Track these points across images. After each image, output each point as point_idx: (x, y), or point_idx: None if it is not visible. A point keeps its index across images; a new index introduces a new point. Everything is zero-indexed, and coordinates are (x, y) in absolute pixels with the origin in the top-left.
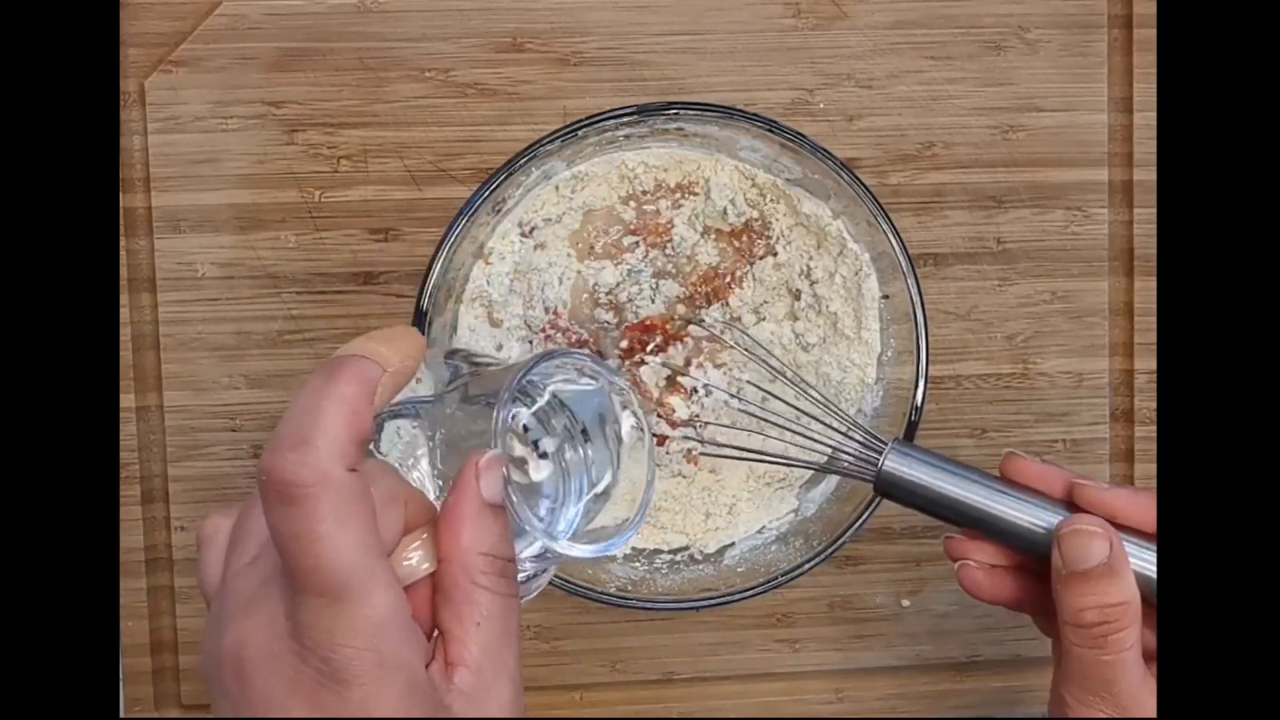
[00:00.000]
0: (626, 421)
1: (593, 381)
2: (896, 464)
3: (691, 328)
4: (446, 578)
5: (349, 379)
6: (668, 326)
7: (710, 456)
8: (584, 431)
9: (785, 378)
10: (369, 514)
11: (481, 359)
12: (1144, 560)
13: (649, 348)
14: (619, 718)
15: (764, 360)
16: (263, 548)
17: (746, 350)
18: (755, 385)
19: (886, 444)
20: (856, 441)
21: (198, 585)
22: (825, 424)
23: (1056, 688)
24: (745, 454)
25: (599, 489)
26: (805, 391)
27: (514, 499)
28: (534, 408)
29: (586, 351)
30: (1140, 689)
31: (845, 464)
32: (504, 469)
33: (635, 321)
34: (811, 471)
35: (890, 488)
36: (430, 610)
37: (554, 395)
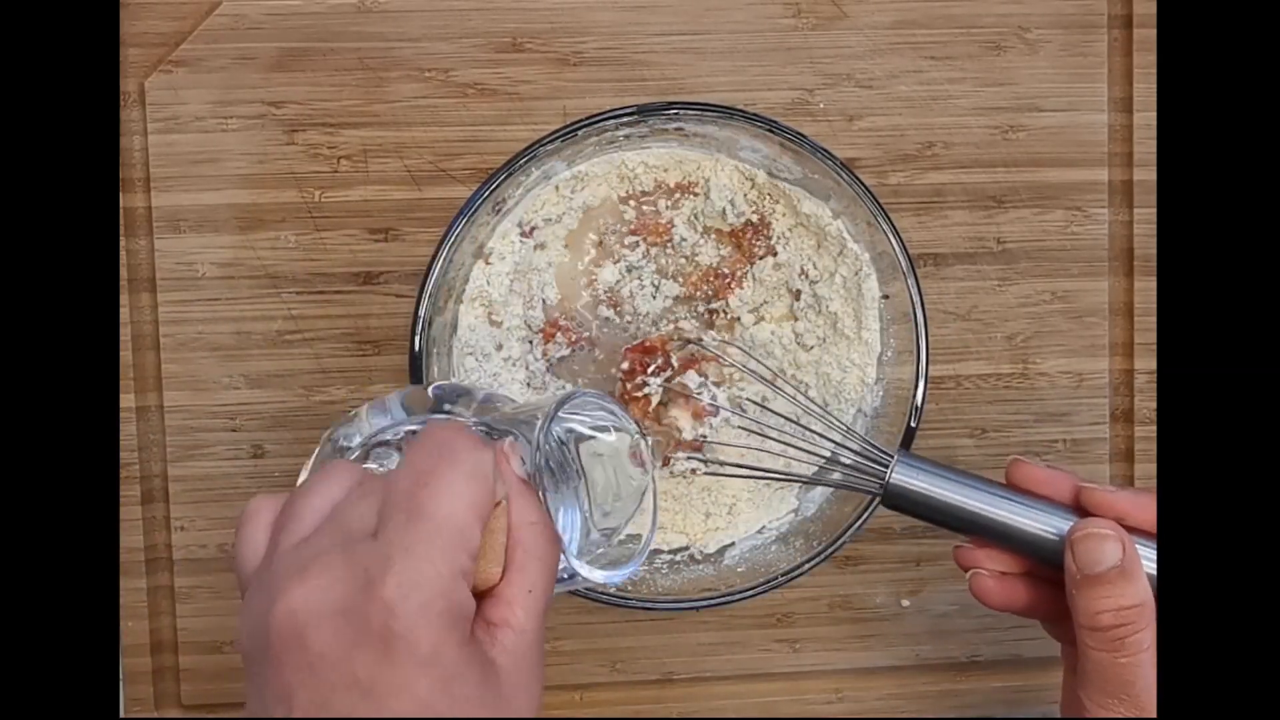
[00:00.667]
0: (632, 463)
1: (604, 421)
2: (903, 476)
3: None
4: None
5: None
6: (668, 348)
7: (715, 475)
8: (579, 471)
9: (785, 394)
10: (490, 503)
11: (468, 394)
12: (1153, 560)
13: (650, 369)
14: (619, 718)
15: (764, 377)
16: (317, 528)
17: (746, 368)
18: (755, 403)
19: (892, 456)
20: (860, 455)
21: (234, 563)
22: (828, 437)
23: (1073, 691)
24: (752, 472)
25: (601, 526)
26: (808, 407)
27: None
28: (543, 443)
29: (601, 394)
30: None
31: (852, 478)
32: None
33: (635, 343)
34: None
35: (898, 500)
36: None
37: (566, 433)
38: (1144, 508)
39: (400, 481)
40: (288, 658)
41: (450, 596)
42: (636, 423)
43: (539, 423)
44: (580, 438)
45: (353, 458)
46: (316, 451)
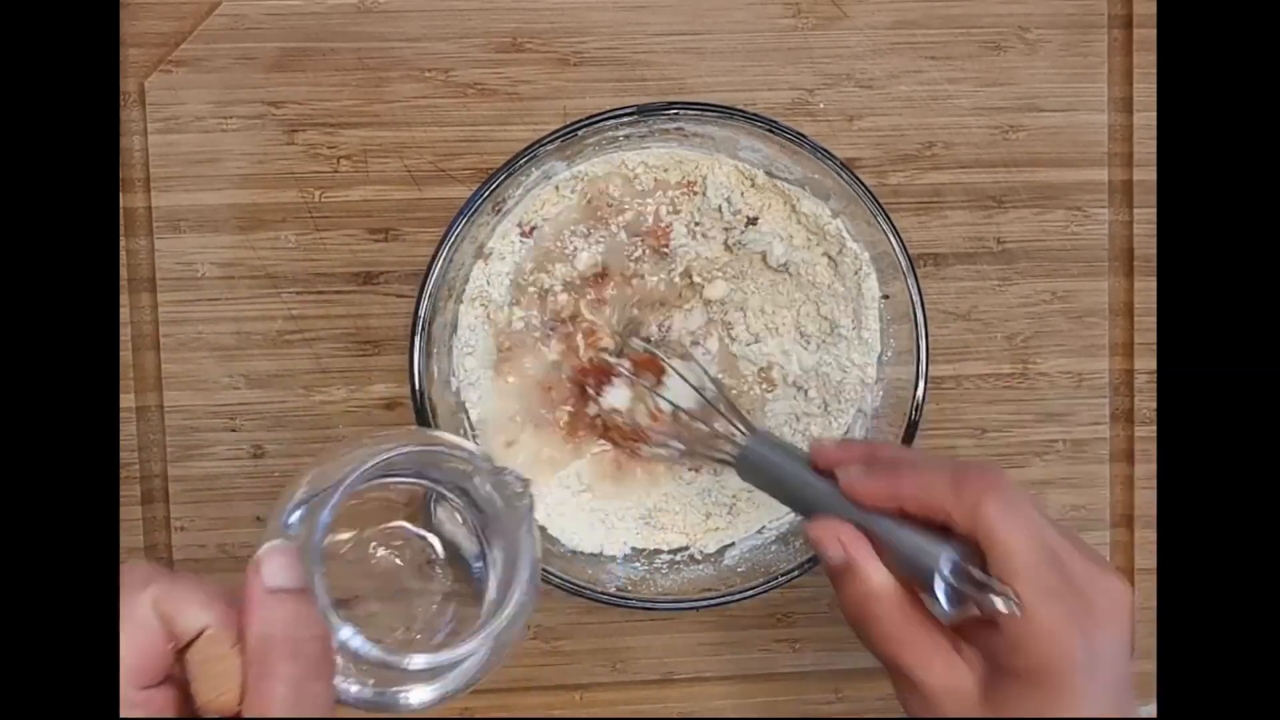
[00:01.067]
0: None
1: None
2: (752, 448)
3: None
4: (246, 670)
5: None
6: (605, 366)
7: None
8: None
9: (690, 383)
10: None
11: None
12: (900, 535)
13: (602, 386)
14: (619, 718)
15: (682, 373)
16: None
17: (669, 363)
18: (666, 401)
19: (754, 433)
20: (724, 433)
21: None
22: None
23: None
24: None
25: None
26: (703, 394)
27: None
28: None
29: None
30: (932, 658)
31: (715, 450)
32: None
33: (579, 367)
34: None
35: (745, 470)
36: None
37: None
38: (892, 485)
39: None
40: None
41: None
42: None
43: (326, 505)
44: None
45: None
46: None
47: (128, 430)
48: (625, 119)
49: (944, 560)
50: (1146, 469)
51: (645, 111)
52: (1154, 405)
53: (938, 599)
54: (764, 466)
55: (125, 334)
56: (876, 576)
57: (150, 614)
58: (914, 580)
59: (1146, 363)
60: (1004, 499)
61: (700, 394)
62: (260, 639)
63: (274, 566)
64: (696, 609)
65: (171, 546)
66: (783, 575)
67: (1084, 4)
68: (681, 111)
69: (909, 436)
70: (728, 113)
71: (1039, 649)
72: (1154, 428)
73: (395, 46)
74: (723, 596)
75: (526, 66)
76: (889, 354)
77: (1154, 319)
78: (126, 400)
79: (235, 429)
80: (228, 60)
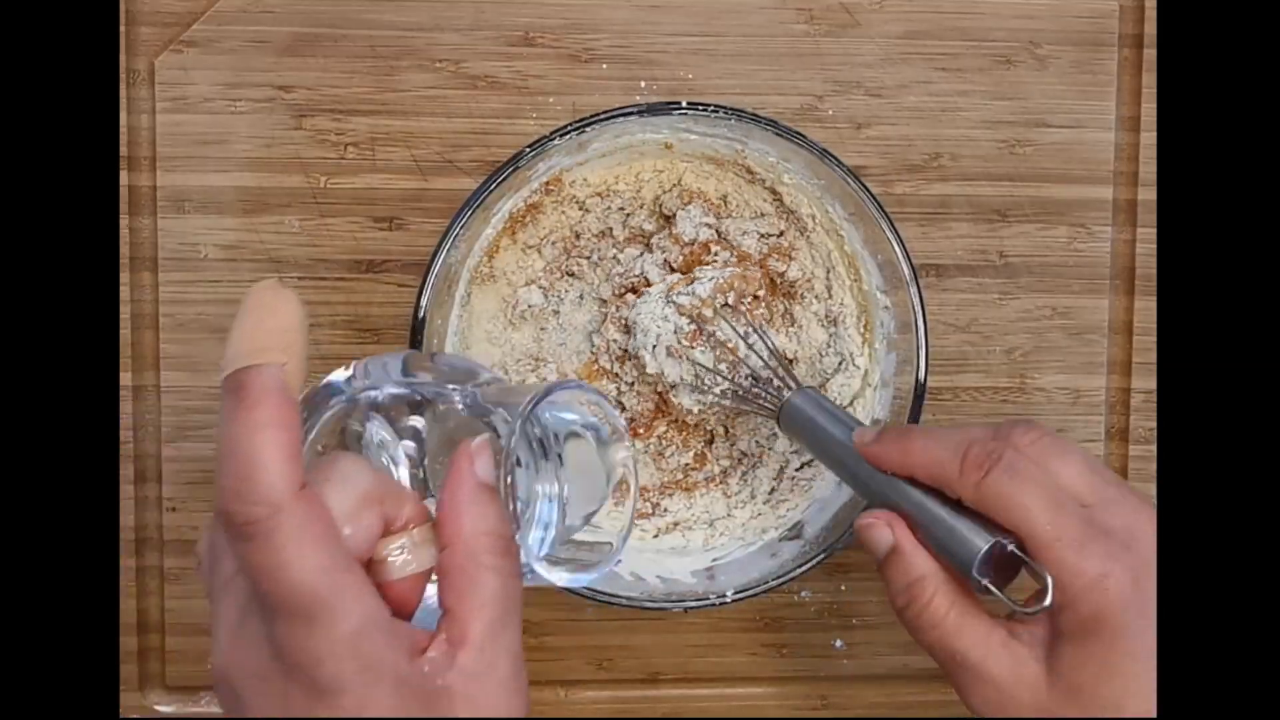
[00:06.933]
0: (616, 457)
1: (589, 416)
2: (797, 401)
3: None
4: (451, 562)
5: (258, 400)
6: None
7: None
8: (559, 456)
9: (736, 331)
10: (327, 528)
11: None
12: (939, 518)
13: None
14: (604, 718)
15: (728, 320)
16: (238, 567)
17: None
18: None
19: (799, 388)
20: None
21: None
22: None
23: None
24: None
25: (572, 520)
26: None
27: (513, 493)
28: (524, 428)
29: (592, 388)
30: (988, 644)
31: (760, 400)
32: (506, 468)
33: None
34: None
35: (787, 422)
36: (418, 596)
37: (555, 420)
38: (902, 452)
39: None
40: (233, 710)
41: (358, 650)
42: (622, 422)
43: (523, 406)
44: (565, 429)
45: (338, 407)
46: (306, 393)
47: (123, 409)
48: (634, 118)
49: (981, 545)
50: (1142, 487)
51: (653, 110)
52: (1149, 424)
53: (980, 584)
54: (804, 423)
55: (125, 313)
56: (922, 560)
57: (367, 506)
58: (956, 566)
59: (1144, 382)
60: (1004, 471)
61: (745, 342)
62: (476, 533)
63: (485, 460)
64: (685, 610)
65: (163, 527)
66: (773, 579)
67: (1095, 21)
68: (689, 112)
69: None
70: (735, 114)
71: (1084, 601)
72: (1149, 447)
73: (407, 36)
74: (711, 599)
75: (537, 61)
76: (890, 363)
77: (1153, 338)
78: (124, 379)
79: None
80: (239, 42)
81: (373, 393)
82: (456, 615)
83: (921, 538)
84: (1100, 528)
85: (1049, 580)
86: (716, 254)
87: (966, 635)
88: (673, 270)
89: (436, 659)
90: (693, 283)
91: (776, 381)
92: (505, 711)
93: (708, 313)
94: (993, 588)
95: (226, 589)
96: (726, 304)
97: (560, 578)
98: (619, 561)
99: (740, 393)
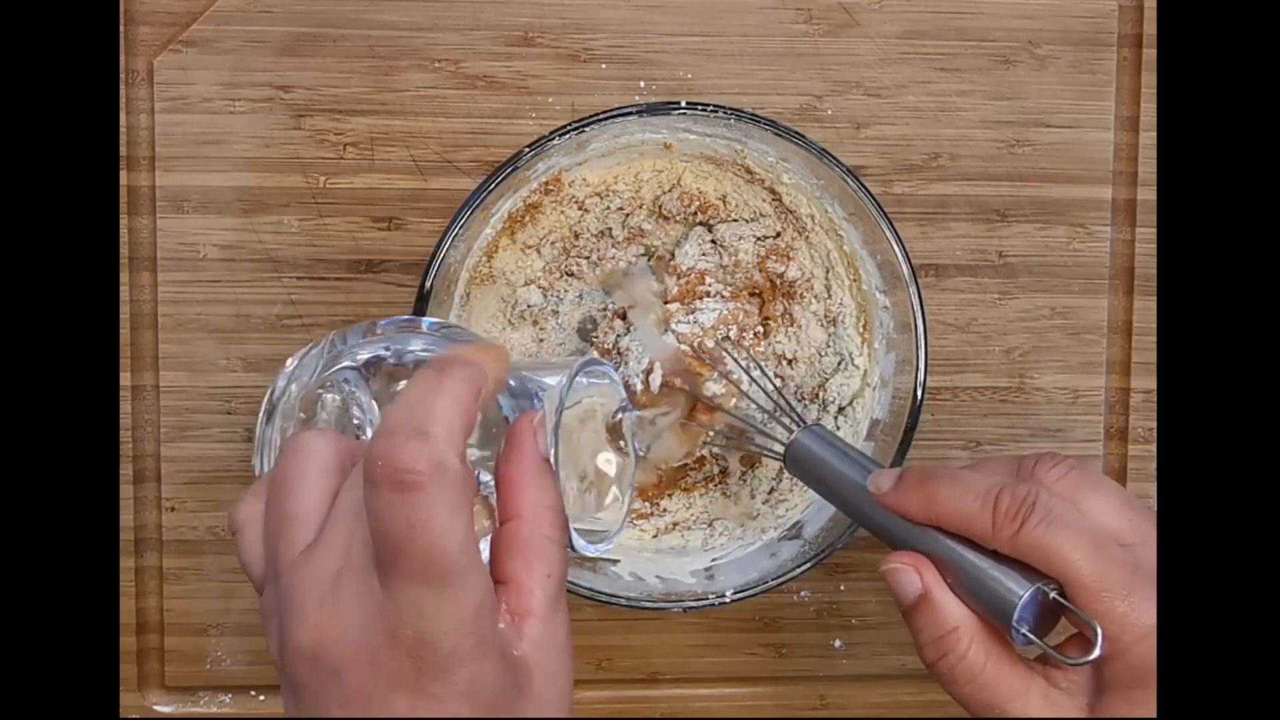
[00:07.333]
0: (611, 437)
1: (596, 393)
2: (805, 440)
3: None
4: (517, 534)
5: (462, 378)
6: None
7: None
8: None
9: (740, 365)
10: (471, 503)
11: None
12: (972, 565)
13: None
14: (602, 718)
15: (726, 372)
16: (322, 534)
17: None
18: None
19: (805, 425)
20: (777, 422)
21: (244, 569)
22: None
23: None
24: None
25: (591, 494)
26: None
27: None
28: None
29: (608, 364)
30: (1028, 695)
31: (761, 445)
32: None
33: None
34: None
35: (794, 464)
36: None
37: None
38: (925, 501)
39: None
40: (325, 689)
41: (478, 624)
42: (628, 398)
43: (561, 382)
44: (577, 406)
45: (337, 367)
46: (307, 349)
47: (122, 409)
48: (633, 117)
49: (1021, 593)
50: (1138, 487)
51: (653, 110)
52: (1148, 424)
53: (1020, 634)
54: (814, 466)
55: (124, 312)
56: (955, 609)
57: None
58: (992, 616)
59: (1143, 381)
60: (1040, 520)
61: (749, 376)
62: (541, 505)
63: (543, 435)
64: (684, 610)
65: (162, 526)
66: (772, 579)
67: (1094, 22)
68: (688, 111)
69: (904, 446)
70: (733, 114)
71: (1133, 653)
72: (1148, 446)
73: (406, 35)
74: (710, 599)
75: (536, 61)
76: (889, 363)
77: (1153, 338)
78: (123, 379)
79: (230, 411)
80: (238, 42)
81: (383, 355)
82: (523, 587)
83: (950, 582)
84: (1146, 573)
85: (1098, 630)
86: (710, 285)
87: (1004, 687)
88: (667, 300)
89: (505, 630)
90: (693, 312)
91: (784, 418)
92: (567, 678)
93: (709, 343)
94: (1034, 638)
95: (306, 559)
96: (728, 337)
97: (587, 547)
98: (628, 521)
99: (744, 432)
